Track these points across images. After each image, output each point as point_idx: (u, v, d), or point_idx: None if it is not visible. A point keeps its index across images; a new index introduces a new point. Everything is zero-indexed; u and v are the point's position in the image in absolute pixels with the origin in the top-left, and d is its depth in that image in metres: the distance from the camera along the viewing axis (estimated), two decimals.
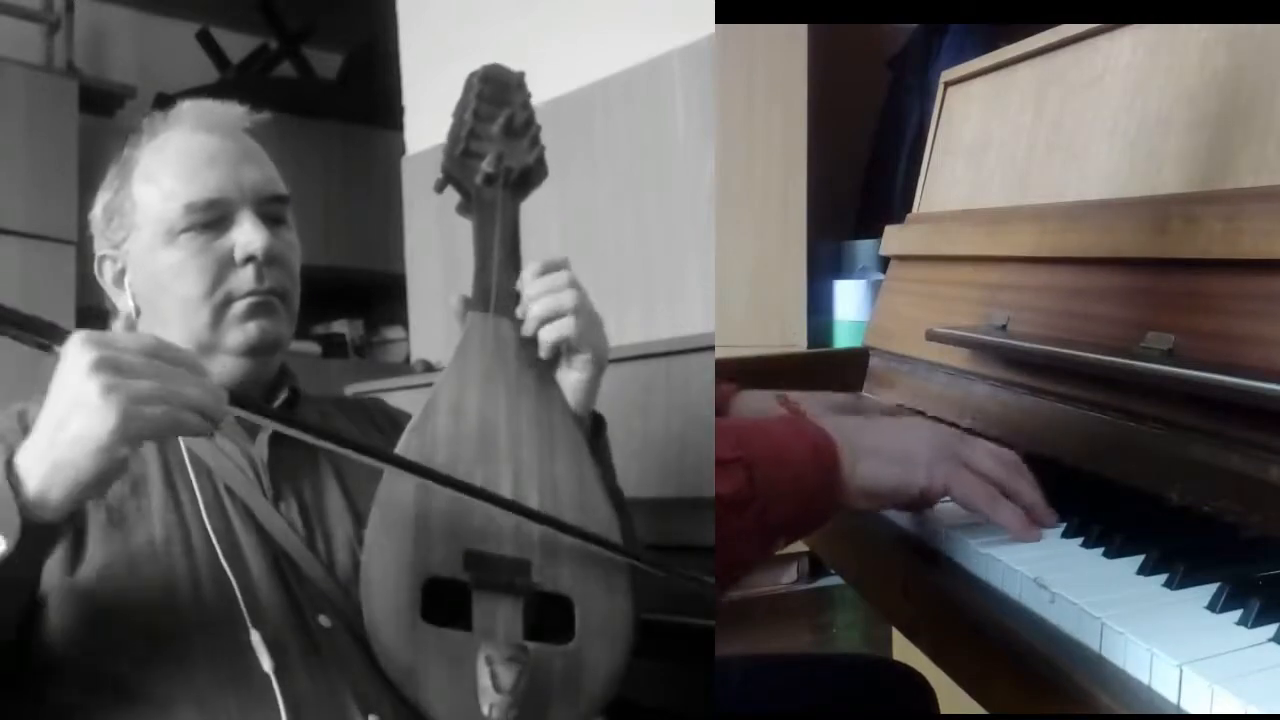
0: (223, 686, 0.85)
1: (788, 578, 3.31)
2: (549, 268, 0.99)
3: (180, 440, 0.95)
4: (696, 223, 1.71)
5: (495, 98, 1.02)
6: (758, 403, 1.11)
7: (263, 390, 1.02)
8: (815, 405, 1.08)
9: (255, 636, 0.87)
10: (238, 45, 3.69)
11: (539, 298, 0.97)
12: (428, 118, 2.28)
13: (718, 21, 1.55)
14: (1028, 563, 0.76)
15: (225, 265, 0.98)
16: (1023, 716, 0.71)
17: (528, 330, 0.98)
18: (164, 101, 1.08)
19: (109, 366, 0.75)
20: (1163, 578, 0.71)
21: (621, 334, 1.17)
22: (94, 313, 1.09)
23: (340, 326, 3.57)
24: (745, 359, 1.53)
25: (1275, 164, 0.89)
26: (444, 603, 0.90)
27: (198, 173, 0.98)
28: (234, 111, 1.04)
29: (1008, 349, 1.14)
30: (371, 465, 0.92)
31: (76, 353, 0.76)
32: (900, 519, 0.94)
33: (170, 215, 0.98)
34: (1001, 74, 1.44)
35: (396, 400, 1.23)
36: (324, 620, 0.92)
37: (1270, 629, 0.62)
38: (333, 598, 0.93)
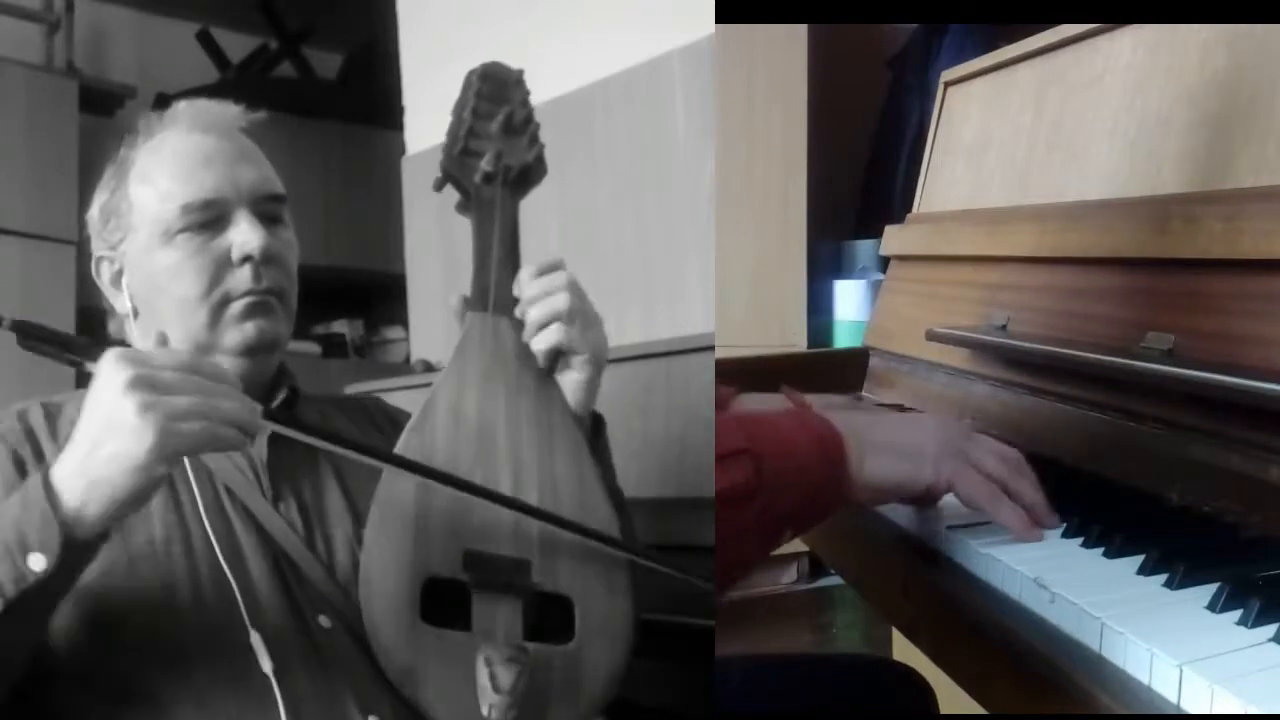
0: (223, 687, 0.85)
1: (788, 578, 3.31)
2: (545, 269, 0.98)
3: None
4: (696, 223, 1.71)
5: (494, 96, 1.02)
6: (756, 406, 1.11)
7: (261, 390, 1.02)
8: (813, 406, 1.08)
9: (255, 637, 0.87)
10: (238, 45, 3.69)
11: (535, 301, 0.97)
12: (428, 118, 2.28)
13: (718, 21, 1.55)
14: (1028, 563, 0.76)
15: (222, 265, 0.98)
16: (1023, 716, 0.71)
17: (525, 336, 0.98)
18: (164, 101, 1.07)
19: (144, 384, 0.75)
20: (1163, 578, 0.71)
21: (621, 334, 1.17)
22: (94, 313, 1.09)
23: (340, 326, 3.57)
24: (745, 359, 1.53)
25: (1275, 164, 0.89)
26: (443, 603, 0.90)
27: (194, 173, 0.98)
28: (230, 111, 1.04)
29: (1008, 349, 1.14)
30: (372, 465, 0.92)
31: (111, 370, 0.76)
32: (900, 519, 0.94)
33: (167, 216, 0.98)
34: (1001, 74, 1.44)
35: (396, 400, 1.23)
36: (324, 621, 0.92)
37: (1270, 629, 0.62)
38: (333, 598, 0.93)
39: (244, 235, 0.98)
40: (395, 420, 1.13)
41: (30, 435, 0.94)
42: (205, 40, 3.60)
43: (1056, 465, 0.98)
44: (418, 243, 2.34)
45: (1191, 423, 0.87)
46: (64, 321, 2.80)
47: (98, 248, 1.03)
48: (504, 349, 0.98)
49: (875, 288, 2.46)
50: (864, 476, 0.79)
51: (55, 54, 3.16)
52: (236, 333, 0.99)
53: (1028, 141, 1.33)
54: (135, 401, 0.74)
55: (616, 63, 1.81)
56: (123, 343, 1.04)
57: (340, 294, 3.41)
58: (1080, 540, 0.80)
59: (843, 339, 3.32)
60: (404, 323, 2.52)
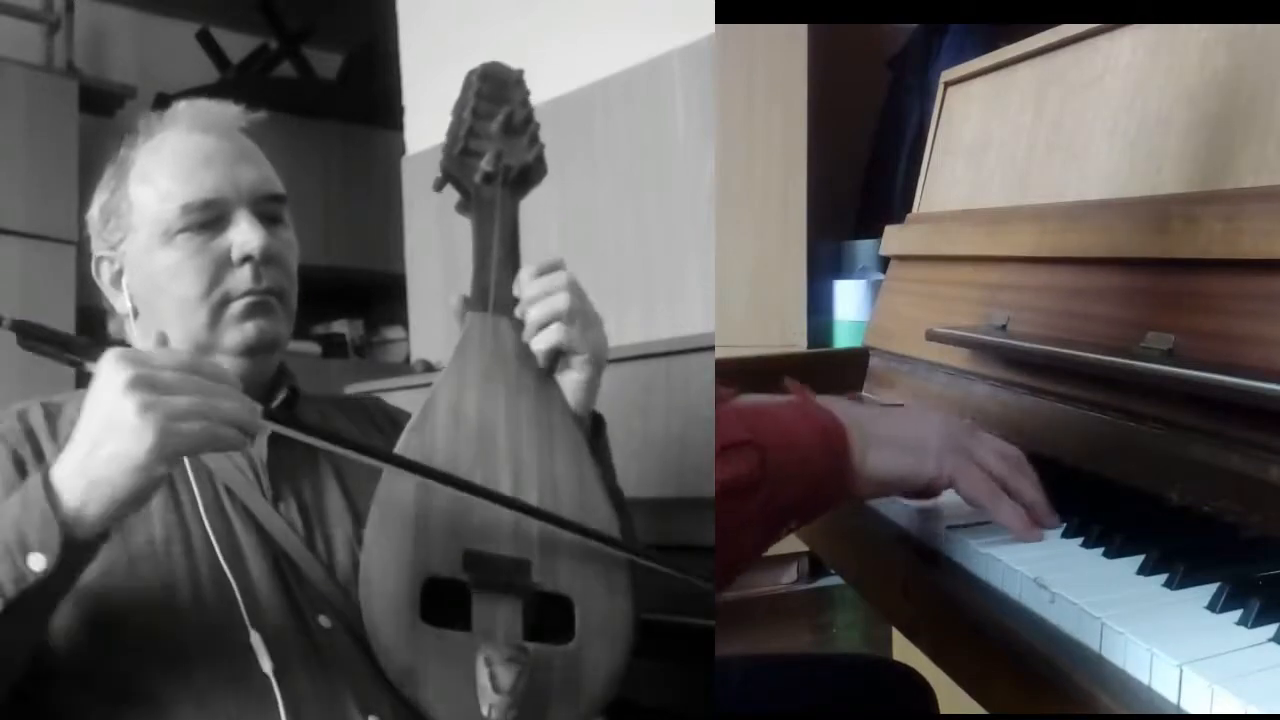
0: (223, 687, 0.85)
1: (788, 578, 3.31)
2: (545, 269, 0.98)
3: None
4: (696, 223, 1.71)
5: (494, 95, 1.02)
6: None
7: (261, 390, 1.02)
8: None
9: (255, 637, 0.87)
10: (238, 45, 3.69)
11: (535, 301, 0.97)
12: (428, 118, 2.28)
13: (718, 21, 1.55)
14: (1028, 563, 0.76)
15: (222, 265, 0.98)
16: (1023, 716, 0.71)
17: (525, 336, 0.98)
18: (164, 101, 1.08)
19: (144, 384, 0.75)
20: (1163, 578, 0.71)
21: (621, 334, 1.17)
22: (94, 313, 1.09)
23: (340, 326, 3.57)
24: (745, 359, 1.53)
25: (1275, 164, 0.89)
26: (443, 603, 0.90)
27: (194, 173, 0.98)
28: (229, 111, 1.04)
29: (1008, 349, 1.14)
30: (372, 465, 0.92)
31: (111, 370, 0.76)
32: (900, 519, 0.94)
33: (167, 216, 0.98)
34: (1001, 74, 1.44)
35: (396, 400, 1.23)
36: (324, 621, 0.92)
37: (1270, 629, 0.62)
38: (332, 598, 0.93)
39: (244, 235, 0.98)
40: (395, 420, 1.13)
41: (30, 435, 0.94)
42: (205, 40, 3.60)
43: (1056, 465, 0.98)
44: (418, 243, 2.34)
45: (1191, 423, 0.87)
46: (64, 321, 2.80)
47: (98, 248, 1.03)
48: (504, 349, 0.98)
49: (875, 288, 2.46)
50: (866, 469, 0.79)
51: (55, 54, 3.16)
52: (236, 333, 0.99)
53: (1028, 141, 1.33)
54: (135, 401, 0.74)
55: (616, 63, 1.81)
56: (123, 343, 1.04)
57: (340, 294, 3.41)
58: (1080, 540, 0.80)
59: (843, 339, 3.32)
60: (404, 323, 2.52)
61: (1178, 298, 0.94)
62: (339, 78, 3.81)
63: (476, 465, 0.94)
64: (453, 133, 1.01)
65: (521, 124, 1.03)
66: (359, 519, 0.98)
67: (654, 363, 1.41)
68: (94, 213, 1.04)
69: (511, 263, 0.99)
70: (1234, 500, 0.81)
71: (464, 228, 1.02)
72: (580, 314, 0.98)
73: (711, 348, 1.36)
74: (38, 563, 0.75)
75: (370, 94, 3.18)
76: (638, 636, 0.97)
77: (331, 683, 0.88)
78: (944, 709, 1.17)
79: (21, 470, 0.91)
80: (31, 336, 0.85)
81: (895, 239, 1.58)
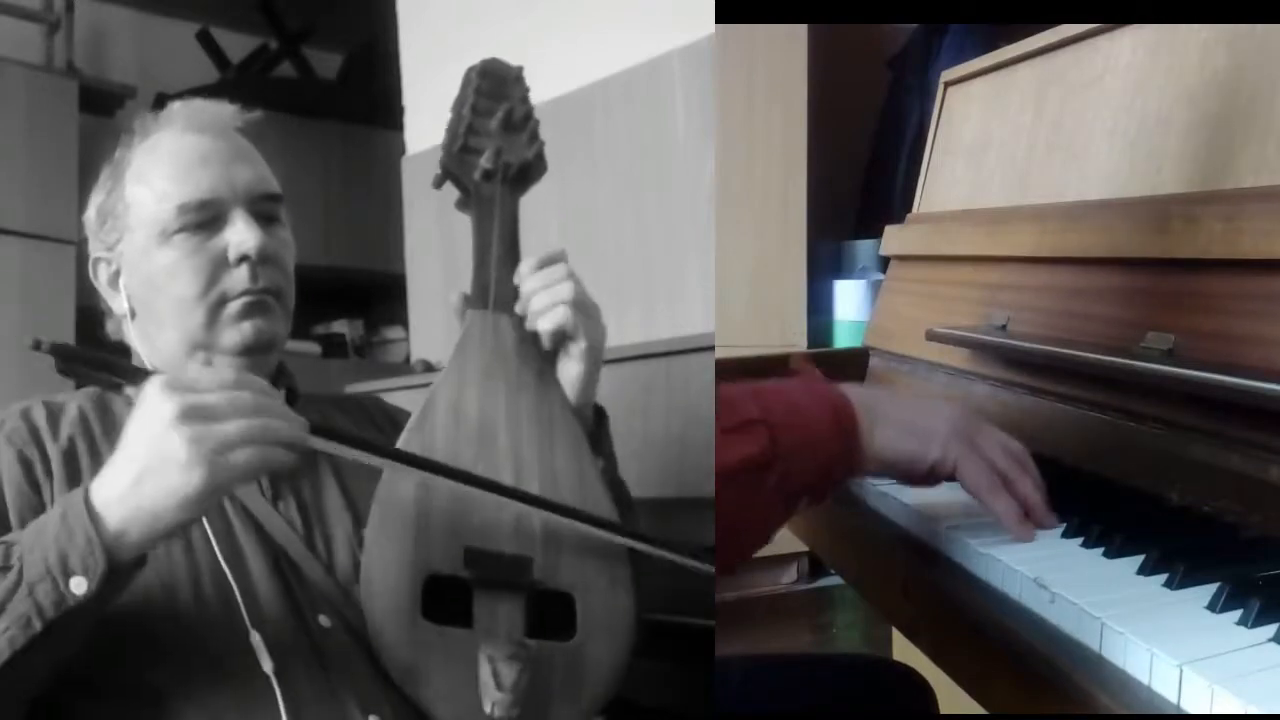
0: (223, 687, 0.85)
1: (788, 578, 3.31)
2: (546, 261, 0.98)
3: None
4: (696, 223, 1.71)
5: (494, 92, 1.02)
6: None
7: None
8: None
9: (256, 638, 0.87)
10: (238, 45, 3.69)
11: (537, 291, 0.97)
12: (428, 118, 2.28)
13: (718, 21, 1.55)
14: (1028, 563, 0.76)
15: (219, 265, 0.98)
16: (1023, 716, 0.71)
17: (529, 325, 0.98)
18: (164, 102, 1.08)
19: (193, 415, 0.75)
20: (1163, 578, 0.71)
21: (621, 334, 1.17)
22: (93, 313, 1.09)
23: (340, 326, 3.57)
24: (745, 359, 1.53)
25: (1275, 164, 0.89)
26: (445, 601, 0.90)
27: (190, 173, 0.98)
28: (225, 111, 1.04)
29: (1008, 349, 1.14)
30: (381, 466, 0.92)
31: (159, 401, 0.76)
32: (900, 519, 0.94)
33: (163, 216, 0.98)
34: (1001, 74, 1.44)
35: (396, 400, 1.23)
36: (324, 620, 0.92)
37: (1270, 629, 0.62)
38: (332, 598, 0.93)
39: (240, 235, 0.98)
40: (394, 420, 1.13)
41: (35, 435, 0.94)
42: (205, 40, 3.60)
43: (1056, 465, 0.98)
44: (418, 243, 2.34)
45: (1191, 423, 0.87)
46: (64, 321, 2.80)
47: (95, 249, 1.03)
48: (504, 346, 0.98)
49: (875, 288, 2.46)
50: (874, 447, 0.80)
51: (55, 54, 3.16)
52: (234, 332, 0.99)
53: (1028, 141, 1.33)
54: (185, 435, 0.74)
55: (616, 63, 1.81)
56: (122, 343, 1.04)
57: (340, 294, 3.41)
58: (1080, 540, 0.80)
59: (843, 339, 3.32)
60: (404, 323, 2.52)
61: (1178, 298, 0.94)
62: (339, 78, 3.81)
63: (477, 463, 0.94)
64: (452, 130, 1.01)
65: (521, 121, 1.03)
66: (358, 518, 0.98)
67: (654, 363, 1.41)
68: (91, 214, 1.04)
69: (511, 260, 0.99)
70: (1234, 500, 0.81)
71: (464, 228, 1.02)
72: (581, 304, 0.98)
73: (711, 348, 1.36)
74: (79, 586, 0.75)
75: (370, 94, 3.18)
76: (640, 633, 0.97)
77: (332, 682, 0.88)
78: (944, 709, 1.17)
79: (29, 471, 0.91)
80: (72, 360, 0.84)
81: (895, 239, 1.58)
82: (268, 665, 0.86)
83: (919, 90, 3.34)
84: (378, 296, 3.45)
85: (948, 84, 1.58)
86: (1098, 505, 0.85)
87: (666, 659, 1.15)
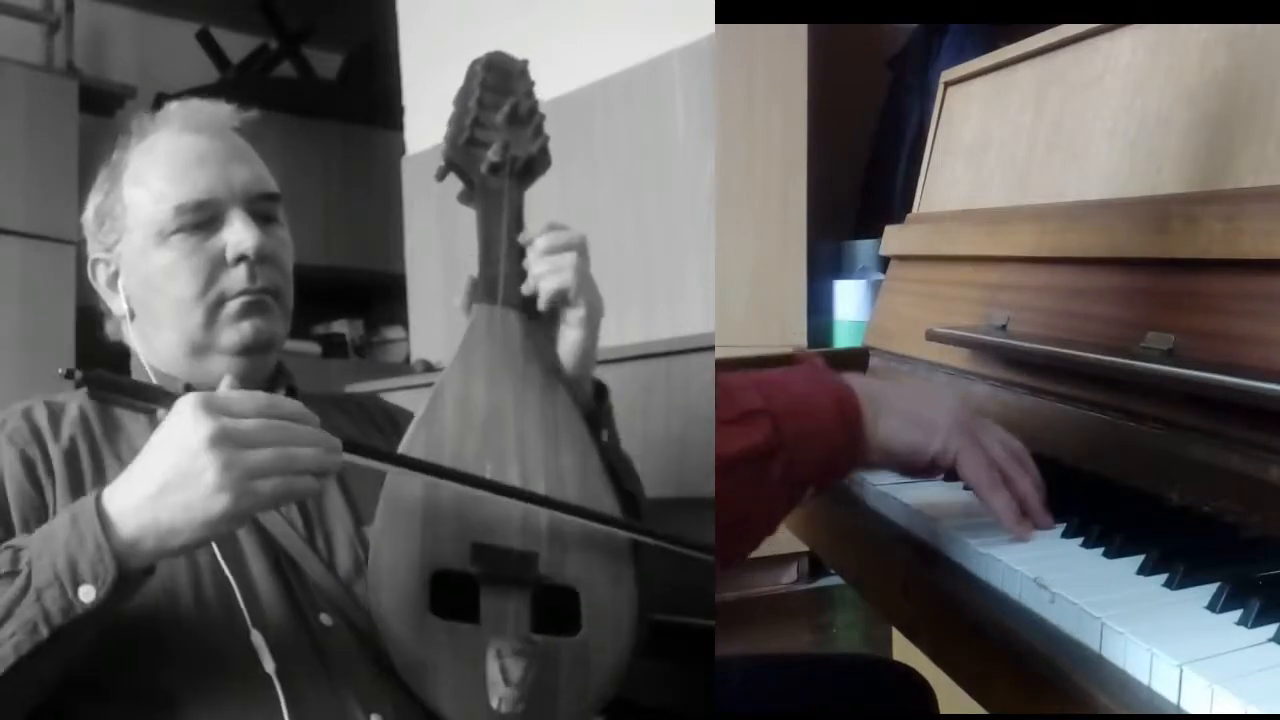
0: (224, 687, 0.85)
1: (788, 578, 3.31)
2: (553, 225, 0.99)
3: None
4: (696, 223, 1.71)
5: (499, 86, 1.02)
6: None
7: (259, 389, 1.02)
8: None
9: (257, 637, 0.87)
10: (238, 45, 3.69)
11: (544, 254, 0.98)
12: (428, 118, 2.28)
13: (718, 21, 1.55)
14: (1028, 563, 0.76)
15: (217, 265, 0.98)
16: (1023, 716, 0.71)
17: (530, 286, 0.98)
18: (163, 102, 1.08)
19: (226, 440, 0.75)
20: (1163, 578, 0.71)
21: (621, 334, 1.17)
22: (93, 313, 1.09)
23: (340, 326, 3.57)
24: (745, 359, 1.53)
25: (1275, 164, 0.89)
26: (452, 596, 0.90)
27: (187, 174, 0.98)
28: (222, 111, 1.04)
29: (1008, 349, 1.14)
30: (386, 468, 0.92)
31: (193, 420, 0.75)
32: (900, 519, 0.94)
33: (161, 217, 0.98)
34: (1001, 74, 1.44)
35: (396, 400, 1.23)
36: (325, 619, 0.92)
37: (1270, 629, 0.62)
38: (334, 597, 0.93)
39: (238, 235, 0.98)
40: (394, 419, 1.13)
41: (36, 434, 0.94)
42: (205, 40, 3.60)
43: (1056, 465, 0.98)
44: (418, 243, 2.34)
45: (1191, 423, 0.87)
46: (64, 321, 2.80)
47: (93, 250, 1.03)
48: (511, 340, 0.98)
49: (875, 288, 2.46)
50: (877, 437, 0.80)
51: (55, 54, 3.16)
52: (233, 332, 0.99)
53: (1028, 141, 1.33)
54: (217, 460, 0.74)
55: (616, 63, 1.81)
56: (121, 344, 1.04)
57: (340, 294, 3.41)
58: (1080, 540, 0.80)
59: (843, 339, 3.32)
60: (404, 323, 2.52)
61: (1178, 298, 0.94)
62: (339, 78, 3.81)
63: (484, 457, 0.94)
64: (457, 122, 1.01)
65: (527, 114, 1.03)
66: (358, 516, 0.98)
67: (654, 363, 1.41)
68: (89, 215, 1.04)
69: (518, 253, 0.99)
70: (1234, 500, 0.81)
71: (465, 228, 1.02)
72: (584, 274, 0.98)
73: (711, 348, 1.36)
74: (88, 594, 0.75)
75: (370, 94, 3.18)
76: (645, 629, 0.97)
77: (333, 681, 0.88)
78: (944, 709, 1.17)
79: (31, 471, 0.91)
80: (104, 388, 0.83)
81: (895, 239, 1.58)
82: (269, 665, 0.86)
83: (919, 90, 3.34)
84: (378, 296, 3.45)
85: (948, 84, 1.58)
86: (1098, 505, 0.85)
87: (666, 659, 1.15)
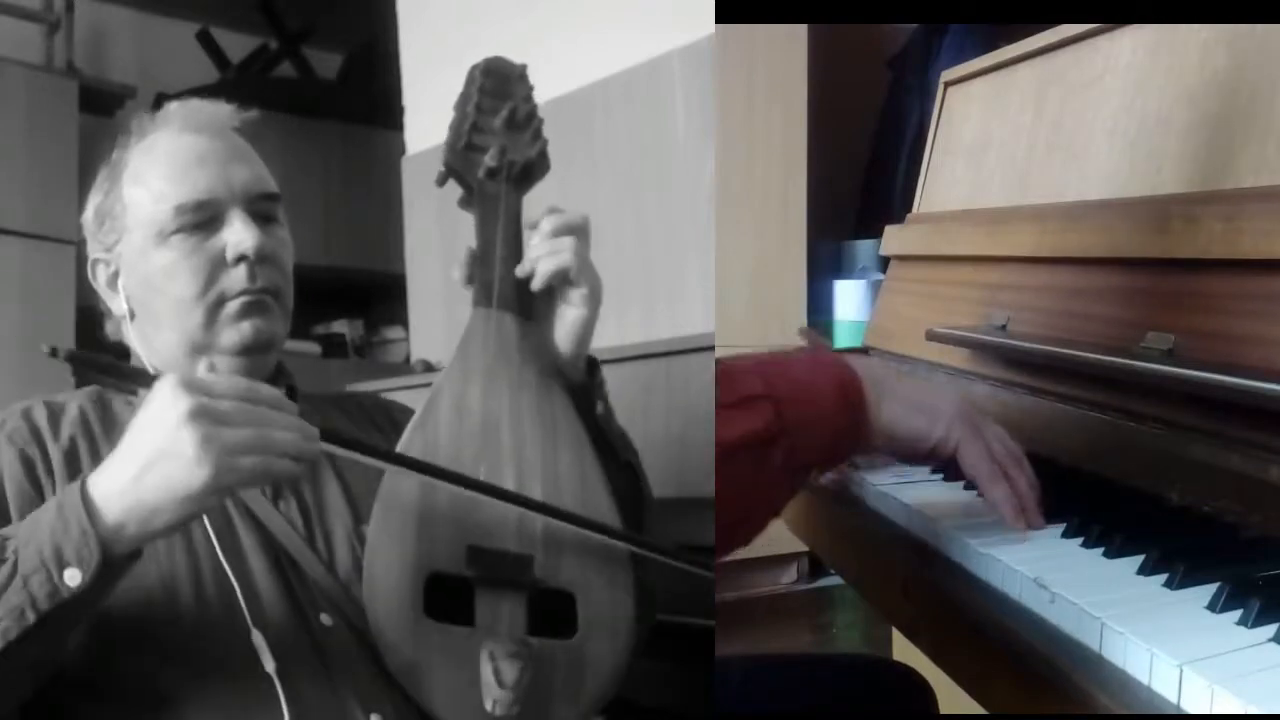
0: (225, 687, 0.85)
1: (788, 578, 3.31)
2: (554, 209, 0.99)
3: None
4: (696, 223, 1.71)
5: (497, 91, 1.02)
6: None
7: None
8: None
9: (257, 637, 0.87)
10: (238, 45, 3.69)
11: (546, 236, 0.98)
12: (428, 118, 2.28)
13: (718, 21, 1.55)
14: (1028, 563, 0.76)
15: (217, 265, 0.98)
16: (1023, 716, 0.71)
17: (526, 269, 0.98)
18: (163, 102, 1.08)
19: (205, 416, 0.75)
20: (1163, 578, 0.71)
21: (621, 334, 1.17)
22: (94, 313, 1.09)
23: (340, 326, 3.57)
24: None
25: (1275, 164, 0.89)
26: (447, 598, 0.90)
27: (187, 174, 0.98)
28: (222, 111, 1.04)
29: (1008, 349, 1.14)
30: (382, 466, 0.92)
31: (171, 398, 0.76)
32: (900, 519, 0.94)
33: (160, 217, 0.98)
34: (1001, 74, 1.44)
35: (396, 400, 1.23)
36: (325, 619, 0.92)
37: (1270, 629, 0.62)
38: (333, 596, 0.93)
39: (238, 235, 0.98)
40: (393, 418, 1.13)
41: (36, 434, 0.94)
42: (205, 40, 3.60)
43: (1056, 465, 0.98)
44: (418, 243, 2.34)
45: (1191, 423, 0.87)
46: (64, 321, 2.80)
47: (93, 250, 1.03)
48: (507, 344, 0.98)
49: (875, 288, 2.46)
50: (880, 421, 0.80)
51: (55, 54, 3.16)
52: (233, 332, 0.99)
53: (1028, 141, 1.33)
54: (195, 434, 0.74)
55: (616, 63, 1.81)
56: (121, 344, 1.04)
57: (340, 294, 3.41)
58: (1080, 540, 0.80)
59: (843, 339, 3.32)
60: (404, 323, 2.52)
61: (1178, 298, 0.94)
62: (339, 78, 3.81)
63: (480, 461, 0.94)
64: (456, 128, 1.01)
65: (525, 119, 1.03)
66: (358, 515, 0.98)
67: (654, 363, 1.41)
68: (89, 215, 1.04)
69: (515, 258, 1.00)
70: (1234, 500, 0.81)
71: (465, 228, 1.02)
72: (584, 257, 0.98)
73: (711, 348, 1.36)
74: (73, 578, 0.75)
75: (370, 94, 3.18)
76: (645, 631, 0.97)
77: (333, 681, 0.88)
78: (944, 709, 1.17)
79: (30, 471, 0.91)
80: (87, 367, 0.84)
81: (895, 239, 1.58)
82: (269, 664, 0.86)
83: (919, 90, 3.34)
84: (378, 296, 3.46)
85: (948, 84, 1.58)
86: (1098, 505, 0.85)
87: (666, 659, 1.15)
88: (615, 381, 1.08)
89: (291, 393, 1.05)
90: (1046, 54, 1.33)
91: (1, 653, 0.75)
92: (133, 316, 1.02)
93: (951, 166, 1.53)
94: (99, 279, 1.04)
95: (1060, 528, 0.82)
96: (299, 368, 1.10)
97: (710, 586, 1.03)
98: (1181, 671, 0.59)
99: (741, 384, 0.73)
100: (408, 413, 1.08)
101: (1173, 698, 0.59)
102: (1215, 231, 0.90)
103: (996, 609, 0.75)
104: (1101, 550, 0.78)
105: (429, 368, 2.06)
